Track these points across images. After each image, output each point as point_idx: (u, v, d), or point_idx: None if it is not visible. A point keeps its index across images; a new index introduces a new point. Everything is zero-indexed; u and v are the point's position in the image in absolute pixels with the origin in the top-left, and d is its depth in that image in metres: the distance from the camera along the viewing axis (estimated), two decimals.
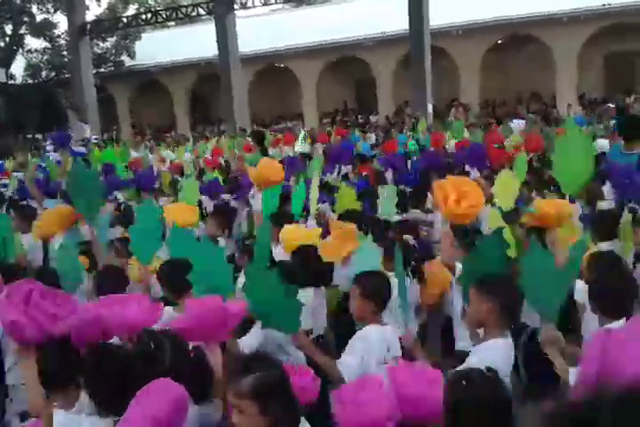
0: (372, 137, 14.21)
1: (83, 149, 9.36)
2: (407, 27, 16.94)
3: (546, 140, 7.58)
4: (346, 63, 22.75)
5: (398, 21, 18.14)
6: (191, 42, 23.99)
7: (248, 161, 8.34)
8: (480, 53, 20.33)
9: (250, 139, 13.09)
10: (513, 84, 20.82)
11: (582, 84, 19.62)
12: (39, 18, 25.65)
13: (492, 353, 2.45)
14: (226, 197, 7.00)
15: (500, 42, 20.39)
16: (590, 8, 18.18)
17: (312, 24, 23.13)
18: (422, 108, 16.16)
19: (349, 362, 2.66)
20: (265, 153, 9.45)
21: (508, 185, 4.28)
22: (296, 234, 4.07)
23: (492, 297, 2.53)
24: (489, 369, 1.98)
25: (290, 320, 2.70)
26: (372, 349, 2.71)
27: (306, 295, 3.26)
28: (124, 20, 23.29)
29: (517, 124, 10.94)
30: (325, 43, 22.08)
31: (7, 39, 25.61)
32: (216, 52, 19.94)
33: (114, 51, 25.03)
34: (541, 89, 20.62)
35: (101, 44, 24.80)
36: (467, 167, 6.42)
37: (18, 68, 25.75)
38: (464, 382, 1.89)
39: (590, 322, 2.98)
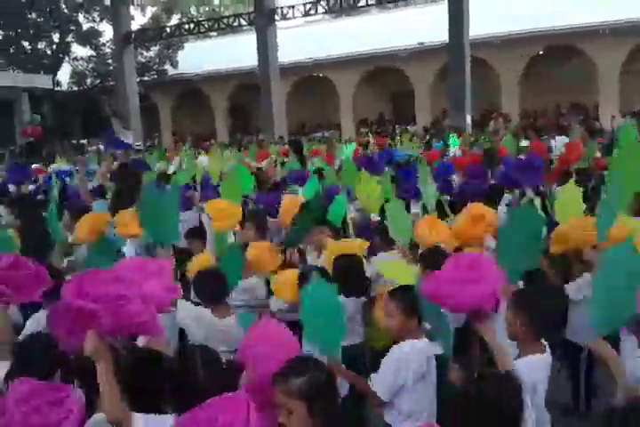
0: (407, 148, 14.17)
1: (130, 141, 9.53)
2: (446, 37, 16.92)
3: (588, 151, 7.45)
4: (383, 74, 22.83)
5: (437, 32, 18.16)
6: (232, 52, 24.40)
7: (287, 168, 8.39)
8: (521, 64, 20.20)
9: (288, 147, 13.21)
10: (553, 95, 20.57)
11: (625, 95, 19.26)
12: (85, 26, 26.44)
13: (529, 371, 2.39)
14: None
15: (541, 53, 20.21)
16: (631, 20, 17.87)
17: (350, 34, 23.31)
18: (461, 119, 16.08)
19: (383, 380, 2.62)
20: (303, 162, 9.51)
21: (572, 201, 3.98)
22: (342, 246, 4.02)
23: (523, 310, 2.48)
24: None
25: (333, 341, 2.60)
26: (409, 365, 2.65)
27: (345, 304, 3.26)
28: (168, 29, 23.81)
29: (561, 141, 10.63)
30: (363, 53, 22.21)
31: (54, 47, 26.41)
32: (255, 62, 20.23)
33: (157, 60, 25.61)
34: (582, 100, 20.33)
35: (145, 53, 25.41)
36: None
37: (64, 75, 26.53)
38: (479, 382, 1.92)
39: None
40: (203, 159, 13.44)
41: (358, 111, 23.82)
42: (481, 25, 18.11)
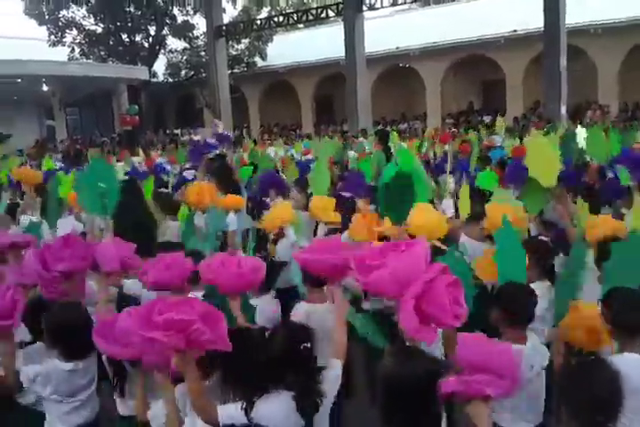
0: (498, 139, 13.79)
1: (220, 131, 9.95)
2: (541, 24, 16.29)
3: None
4: (473, 62, 22.28)
5: (531, 19, 17.53)
6: (318, 43, 24.59)
7: (373, 160, 8.36)
8: (621, 54, 19.10)
9: (374, 137, 13.20)
10: None
11: None
12: (180, 20, 27.37)
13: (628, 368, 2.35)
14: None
15: None
16: None
17: (438, 23, 22.90)
18: (555, 110, 15.49)
19: None
20: (388, 152, 9.49)
21: None
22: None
23: (611, 313, 2.50)
24: None
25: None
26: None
27: None
28: (258, 22, 24.29)
29: None
30: (452, 42, 21.76)
31: (151, 40, 27.54)
32: (342, 53, 20.29)
33: (247, 52, 26.21)
34: None
35: (236, 46, 26.05)
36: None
37: (159, 67, 27.65)
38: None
39: None
40: (271, 150, 13.67)
41: (445, 101, 23.41)
42: (579, 12, 17.30)
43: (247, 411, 2.27)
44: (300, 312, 3.28)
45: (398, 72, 24.12)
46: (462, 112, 23.42)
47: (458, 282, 2.33)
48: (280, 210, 4.88)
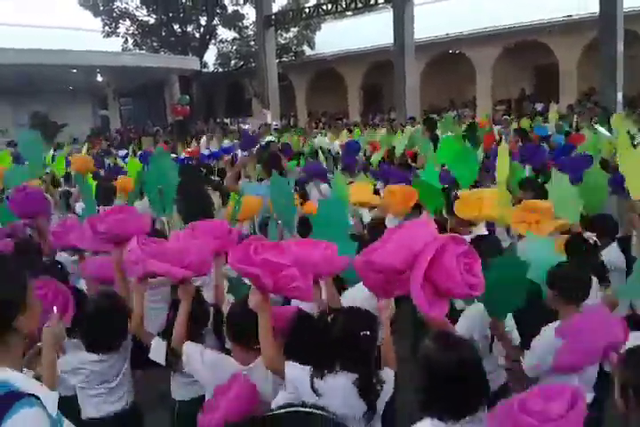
0: (551, 127, 13.46)
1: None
2: (596, 9, 15.75)
3: None
4: (525, 48, 21.72)
5: (585, 3, 16.97)
6: (366, 31, 24.40)
7: (422, 149, 8.33)
8: None
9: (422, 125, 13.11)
10: None
11: None
12: (230, 10, 27.62)
13: None
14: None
15: None
16: None
17: (489, 8, 22.39)
18: (611, 98, 15.01)
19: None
20: (435, 140, 9.41)
21: None
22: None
23: None
24: None
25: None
26: None
27: None
28: (307, 10, 24.28)
29: None
30: (504, 27, 21.28)
31: (202, 30, 27.90)
32: (389, 40, 20.12)
33: (295, 41, 26.26)
34: None
35: (284, 35, 26.13)
36: None
37: (209, 57, 28.02)
38: None
39: None
40: (320, 139, 13.72)
41: (496, 88, 22.95)
42: None
43: (313, 379, 2.29)
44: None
45: (447, 58, 23.76)
46: (514, 100, 22.94)
47: (471, 251, 2.28)
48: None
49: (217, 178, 7.81)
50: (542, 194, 4.42)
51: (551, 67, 21.25)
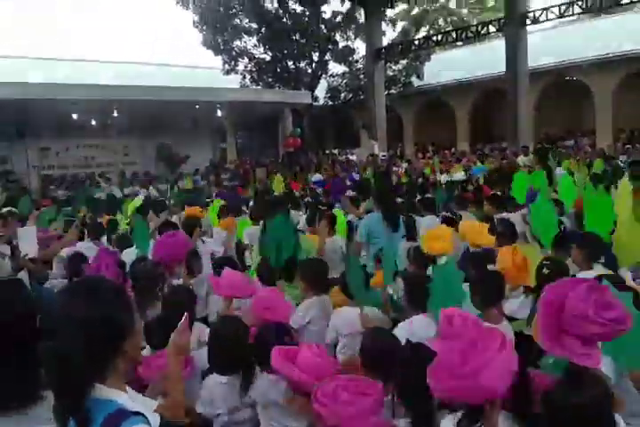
0: None
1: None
2: None
3: None
4: None
5: None
6: (474, 60, 24.25)
7: (534, 179, 8.08)
8: None
9: (534, 156, 12.75)
10: None
11: None
12: (341, 45, 28.42)
13: None
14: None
15: None
16: None
17: (607, 34, 21.54)
18: None
19: None
20: (549, 172, 9.10)
21: None
22: None
23: None
24: None
25: None
26: None
27: None
28: (416, 42, 24.51)
29: None
30: (625, 53, 20.31)
31: (313, 65, 28.88)
32: (499, 69, 19.82)
33: (404, 73, 26.50)
34: None
35: (393, 67, 26.46)
36: None
37: (320, 90, 28.87)
38: None
39: None
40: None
41: (618, 117, 21.80)
42: None
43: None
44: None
45: (563, 86, 22.97)
46: (636, 129, 21.66)
47: (596, 286, 2.24)
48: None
49: None
50: None
51: None
